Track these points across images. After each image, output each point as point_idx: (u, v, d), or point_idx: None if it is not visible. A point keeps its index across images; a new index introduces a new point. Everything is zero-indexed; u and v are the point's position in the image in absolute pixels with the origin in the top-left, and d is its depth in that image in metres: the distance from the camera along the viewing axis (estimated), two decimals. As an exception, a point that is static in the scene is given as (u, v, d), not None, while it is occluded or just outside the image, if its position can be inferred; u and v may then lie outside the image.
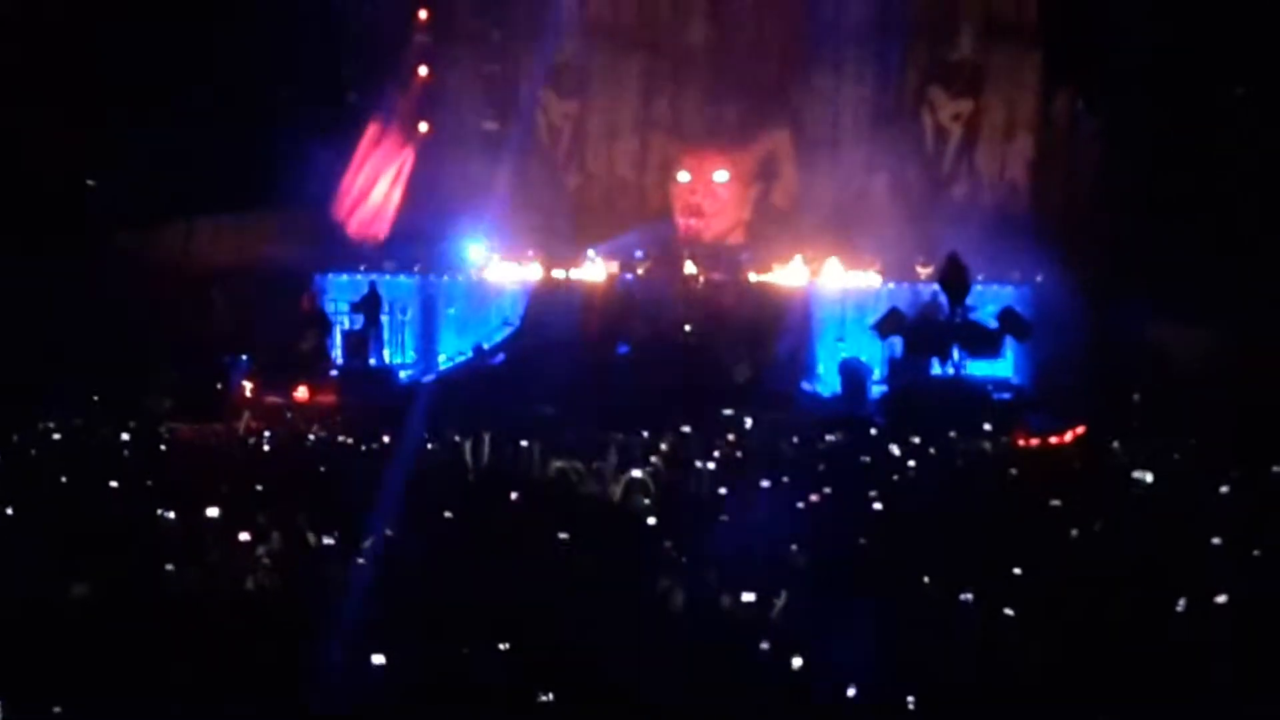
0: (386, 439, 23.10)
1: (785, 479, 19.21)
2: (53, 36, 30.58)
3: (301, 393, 30.27)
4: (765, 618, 12.62)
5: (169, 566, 13.50)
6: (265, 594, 13.33)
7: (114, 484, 18.19)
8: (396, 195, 35.27)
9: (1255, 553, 14.90)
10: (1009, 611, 12.58)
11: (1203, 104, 31.73)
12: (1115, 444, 23.48)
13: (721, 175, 36.58)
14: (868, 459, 22.02)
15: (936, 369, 31.07)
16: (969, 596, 12.86)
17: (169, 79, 31.63)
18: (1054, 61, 35.62)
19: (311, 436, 24.63)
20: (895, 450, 23.09)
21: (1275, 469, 20.58)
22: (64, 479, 18.52)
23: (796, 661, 11.40)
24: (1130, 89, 32.66)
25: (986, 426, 26.10)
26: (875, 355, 32.12)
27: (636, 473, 19.03)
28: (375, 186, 35.00)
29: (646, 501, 17.68)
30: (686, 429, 23.87)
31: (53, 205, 30.61)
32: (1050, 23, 35.43)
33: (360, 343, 32.68)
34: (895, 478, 20.50)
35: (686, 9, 37.04)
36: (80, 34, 30.87)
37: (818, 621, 12.35)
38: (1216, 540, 15.22)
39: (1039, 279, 33.47)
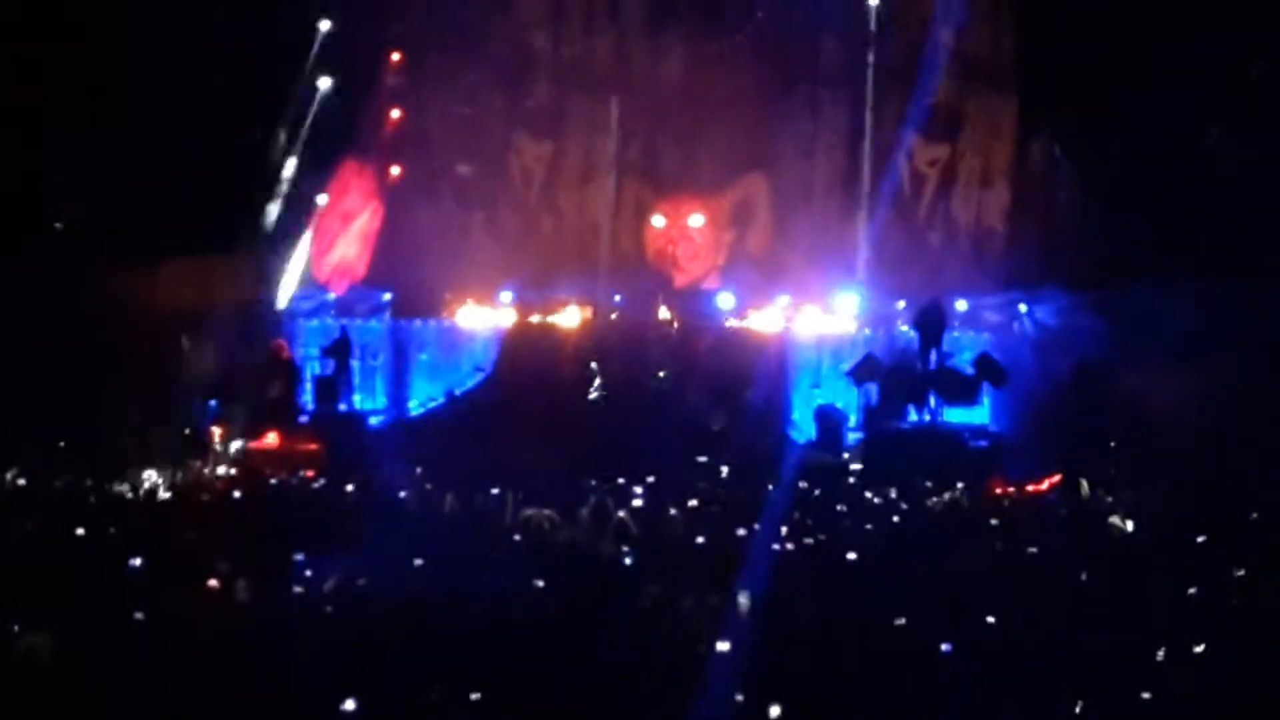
0: (354, 485, 22.90)
1: (758, 526, 19.05)
2: (16, 76, 30.35)
3: (271, 439, 30.03)
4: (740, 667, 12.45)
5: (137, 615, 13.28)
6: (231, 640, 13.12)
7: (80, 531, 17.96)
8: (365, 245, 35.07)
9: (1233, 602, 14.77)
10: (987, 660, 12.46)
11: (1180, 151, 31.68)
12: (1092, 492, 23.38)
13: (696, 220, 36.51)
14: (843, 507, 21.86)
15: (913, 416, 30.98)
16: (947, 647, 12.70)
17: (137, 119, 31.45)
18: (1031, 107, 35.65)
19: (276, 482, 24.43)
20: (871, 497, 22.98)
21: (1253, 516, 20.51)
22: (28, 527, 18.29)
23: (774, 711, 11.24)
24: (1107, 133, 32.63)
25: (962, 474, 25.95)
26: (851, 402, 32.00)
27: (611, 520, 18.88)
28: (345, 233, 34.82)
29: (625, 549, 17.48)
30: (660, 476, 23.70)
31: (16, 247, 30.34)
32: (1027, 69, 35.47)
33: (330, 388, 32.46)
34: (869, 526, 20.35)
35: (662, 52, 37.00)
36: (44, 72, 30.65)
37: (795, 671, 12.19)
38: (1193, 590, 15.08)
39: (1015, 324, 33.41)
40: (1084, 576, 15.91)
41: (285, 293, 33.69)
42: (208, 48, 32.07)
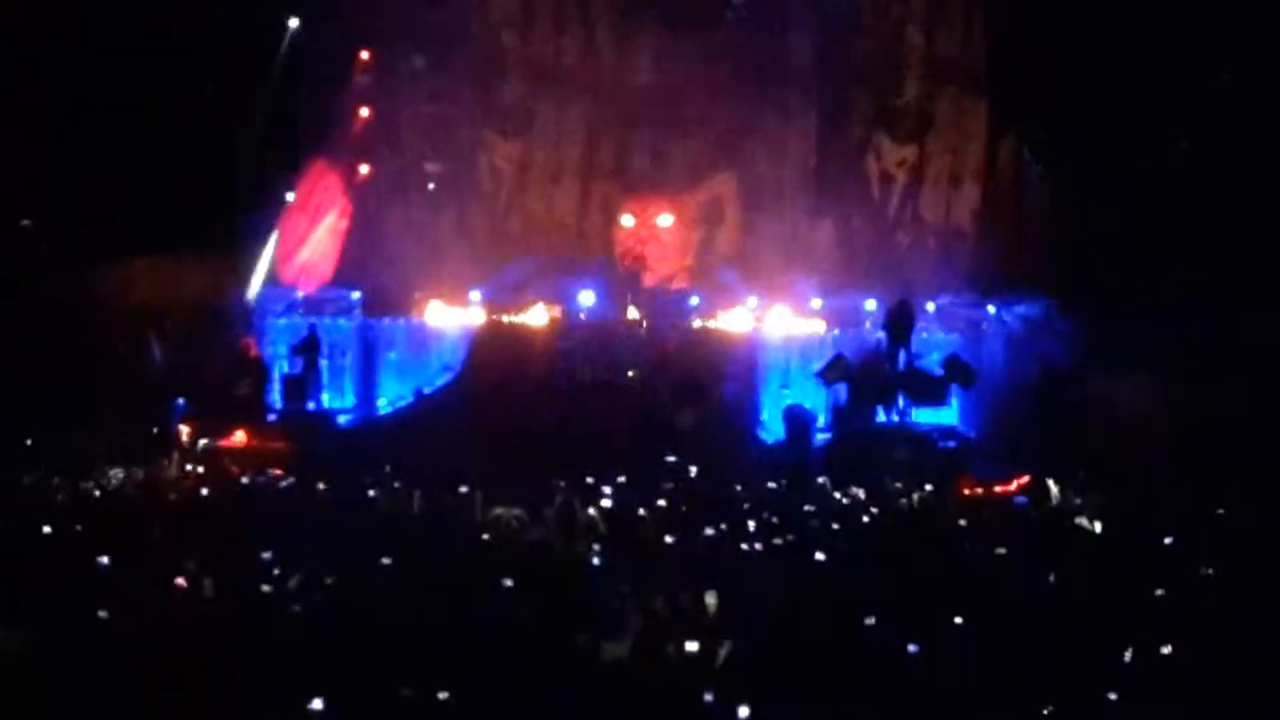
0: (324, 484, 22.87)
1: (726, 526, 19.07)
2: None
3: (239, 437, 29.96)
4: (710, 667, 12.47)
5: (102, 614, 13.24)
6: (201, 640, 13.09)
7: (47, 530, 17.90)
8: (334, 243, 34.98)
9: (1199, 603, 14.81)
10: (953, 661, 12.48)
11: (1148, 152, 31.79)
12: (1059, 492, 23.41)
13: (665, 220, 36.51)
14: (811, 507, 21.87)
15: (881, 416, 31.02)
16: (914, 648, 12.72)
17: (106, 119, 31.39)
18: (1000, 108, 35.73)
19: (247, 480, 24.37)
20: (839, 498, 23.00)
21: (1219, 513, 20.62)
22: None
23: (743, 711, 11.25)
24: (1076, 135, 32.71)
25: (931, 474, 25.99)
26: (819, 402, 32.01)
27: (580, 519, 18.89)
28: (314, 231, 34.74)
29: (596, 547, 17.48)
30: (628, 475, 23.70)
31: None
32: (996, 69, 35.54)
33: (299, 387, 32.38)
34: (836, 526, 20.37)
35: (631, 52, 37.01)
36: (15, 74, 30.56)
37: (762, 671, 12.20)
38: (1160, 591, 15.13)
39: (984, 325, 33.48)
40: (1051, 577, 15.93)
41: (254, 291, 33.57)
42: (177, 47, 32.02)
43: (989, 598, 14.87)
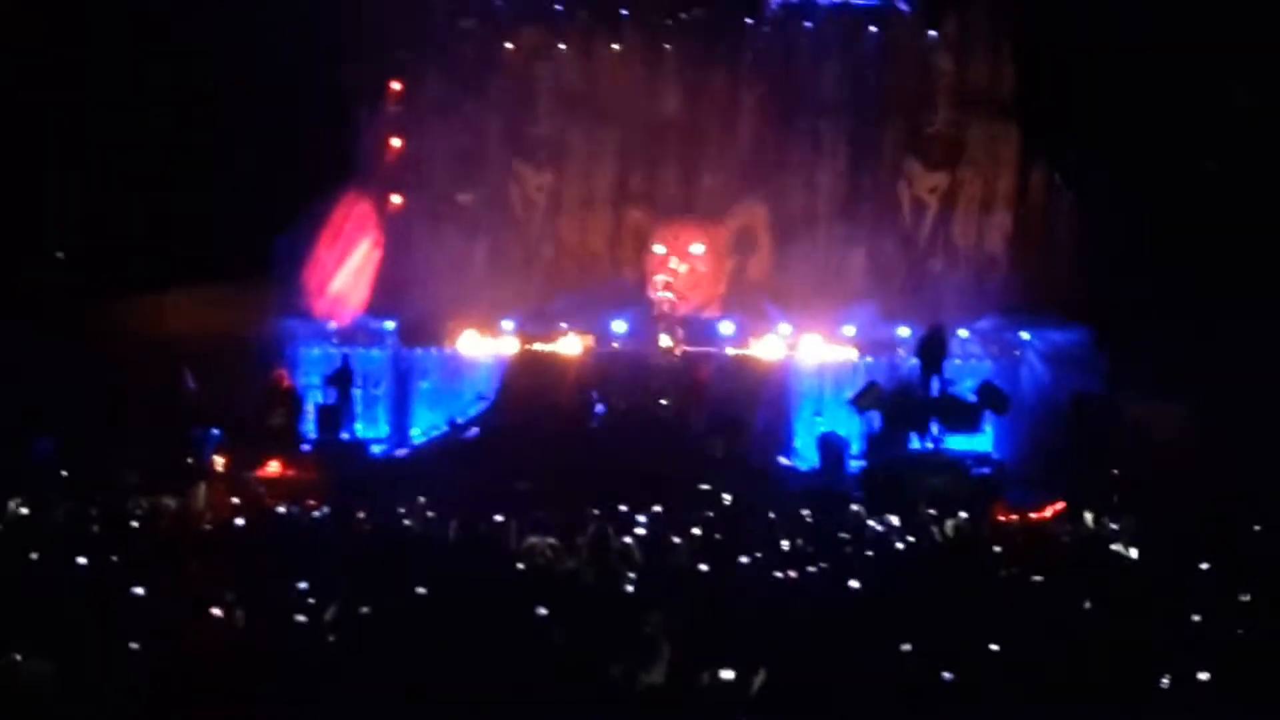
0: (358, 514, 22.84)
1: (761, 555, 19.03)
2: (17, 106, 30.40)
3: (273, 467, 29.99)
4: (745, 695, 12.42)
5: (133, 645, 13.24)
6: (234, 670, 13.08)
7: (82, 560, 17.90)
8: (366, 274, 35.02)
9: (1239, 631, 14.73)
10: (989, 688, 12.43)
11: (1178, 177, 31.73)
12: (1095, 519, 23.33)
13: (697, 248, 36.51)
14: (845, 534, 21.81)
15: (915, 443, 30.95)
16: (949, 675, 12.67)
17: (140, 150, 31.49)
18: (1030, 135, 35.68)
19: (283, 510, 24.35)
20: (873, 525, 22.93)
21: (1250, 543, 20.51)
22: (31, 555, 18.23)
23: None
24: (1106, 161, 32.66)
25: (965, 501, 25.90)
26: (853, 429, 31.97)
27: (614, 548, 18.86)
28: (345, 263, 34.76)
29: (632, 575, 17.45)
30: (663, 503, 23.65)
31: (22, 277, 30.39)
32: (1026, 96, 35.49)
33: (333, 417, 32.42)
34: (871, 553, 20.32)
35: (662, 81, 37.04)
36: (47, 104, 30.70)
37: (797, 699, 12.16)
38: (1197, 617, 15.05)
39: (1017, 352, 33.43)
40: (1088, 604, 15.86)
41: (288, 321, 33.62)
42: (209, 78, 32.12)
43: (1024, 624, 14.81)
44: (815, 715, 11.75)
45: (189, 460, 28.81)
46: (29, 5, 31.42)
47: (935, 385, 31.41)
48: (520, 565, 18.41)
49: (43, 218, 31.21)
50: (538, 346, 34.11)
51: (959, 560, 20.21)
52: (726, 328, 34.59)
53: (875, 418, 31.53)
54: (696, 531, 21.13)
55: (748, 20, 37.20)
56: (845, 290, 35.13)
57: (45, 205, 30.95)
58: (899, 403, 31.38)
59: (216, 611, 14.53)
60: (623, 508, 22.94)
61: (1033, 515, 25.78)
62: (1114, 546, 20.65)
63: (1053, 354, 32.69)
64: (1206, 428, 29.37)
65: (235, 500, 25.58)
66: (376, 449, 32.73)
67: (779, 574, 17.84)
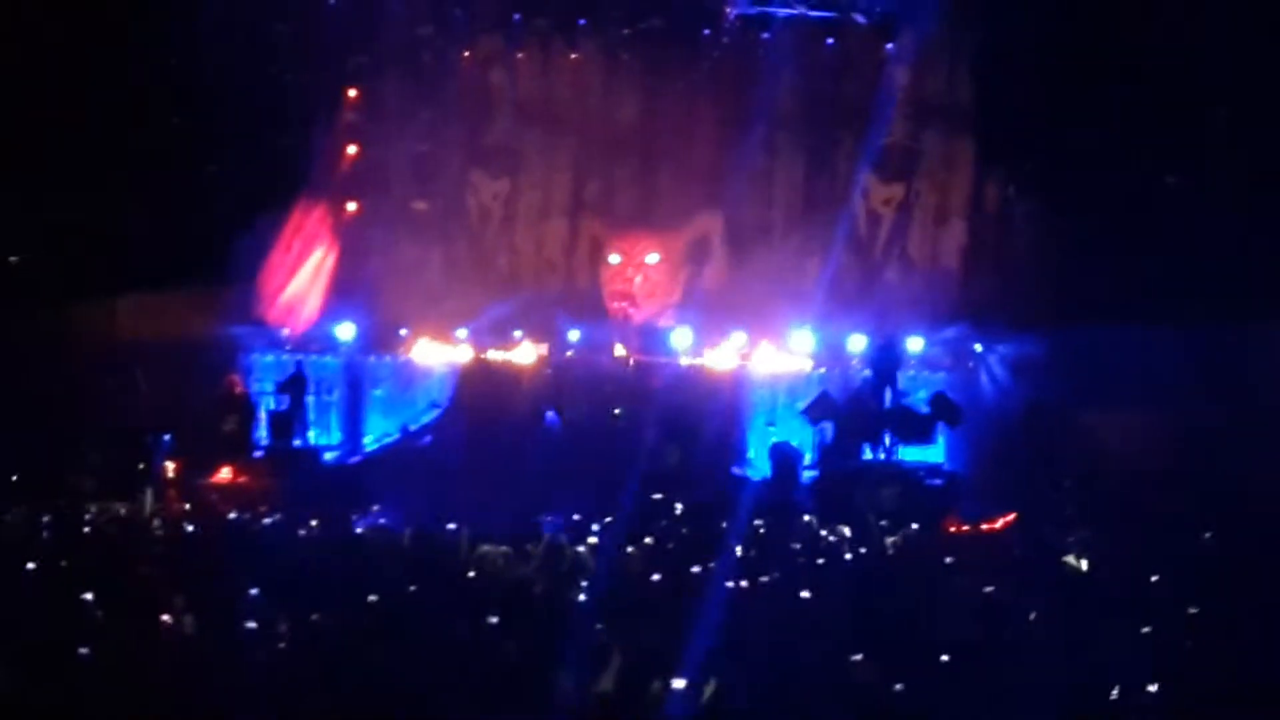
0: (310, 521, 22.80)
1: (713, 564, 19.03)
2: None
3: (224, 474, 29.90)
4: (696, 705, 12.42)
5: (83, 650, 13.18)
6: (182, 677, 13.04)
7: (31, 565, 17.84)
8: (321, 281, 34.92)
9: (1187, 644, 14.79)
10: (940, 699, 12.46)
11: (1135, 191, 31.87)
12: (1047, 531, 23.39)
13: (652, 257, 36.54)
14: (797, 545, 21.84)
15: (868, 454, 31.01)
16: (899, 686, 12.69)
17: (93, 154, 31.36)
18: (987, 147, 35.78)
19: (233, 517, 24.30)
20: (825, 535, 22.96)
21: (1203, 553, 20.61)
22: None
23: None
24: (1062, 172, 32.78)
25: (918, 513, 25.96)
26: (806, 440, 32.00)
27: (567, 556, 18.86)
28: (299, 270, 34.66)
29: (584, 584, 17.46)
30: (615, 513, 23.65)
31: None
32: (983, 108, 35.60)
33: (285, 423, 32.32)
34: (821, 561, 20.36)
35: (618, 90, 37.05)
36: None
37: (748, 709, 12.17)
38: (1147, 629, 15.10)
39: (970, 363, 33.54)
40: (1037, 615, 15.91)
41: (239, 327, 33.52)
42: (164, 84, 32.02)
43: (975, 635, 14.84)
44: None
45: (140, 466, 28.72)
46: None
47: (888, 396, 31.49)
48: (472, 574, 18.40)
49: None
50: (491, 355, 34.06)
51: (909, 571, 20.24)
52: (681, 337, 34.56)
53: (828, 428, 31.57)
54: (649, 540, 21.15)
55: (705, 31, 37.19)
56: (799, 300, 35.12)
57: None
58: (851, 413, 31.44)
59: (165, 618, 14.49)
60: (575, 516, 22.96)
61: (984, 526, 25.86)
62: (1066, 558, 20.69)
63: (1006, 365, 32.79)
64: (1161, 437, 29.49)
65: (186, 506, 25.55)
66: (329, 456, 32.63)
67: (731, 583, 17.87)
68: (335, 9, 35.19)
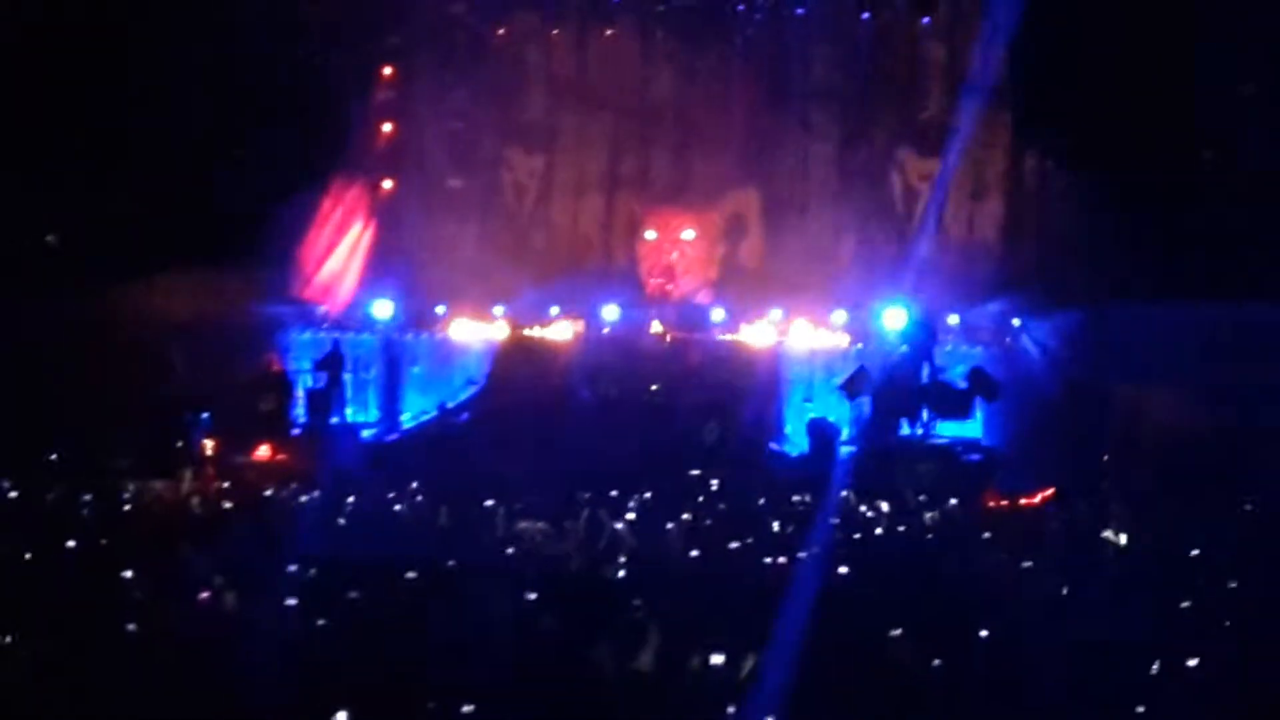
0: (348, 498, 22.85)
1: (752, 540, 19.04)
2: (6, 95, 30.35)
3: (263, 452, 29.96)
4: (734, 681, 12.44)
5: (130, 626, 13.26)
6: (225, 655, 13.09)
7: (71, 544, 17.92)
8: (358, 259, 34.96)
9: (1225, 622, 14.74)
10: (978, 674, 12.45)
11: (1175, 166, 31.73)
12: (1085, 505, 23.33)
13: (689, 234, 36.51)
14: (835, 520, 21.82)
15: (905, 429, 30.93)
16: (939, 662, 12.68)
17: (129, 135, 31.43)
18: (1024, 121, 35.63)
19: (271, 495, 24.36)
20: (863, 511, 22.95)
21: (1244, 528, 20.54)
22: (20, 539, 18.23)
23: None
24: (1100, 146, 32.62)
25: (956, 488, 25.90)
26: (843, 415, 31.95)
27: (605, 533, 18.88)
28: (336, 248, 34.71)
29: (622, 559, 17.48)
30: (653, 490, 23.66)
31: (11, 263, 30.33)
32: (1019, 81, 35.44)
33: (323, 401, 32.35)
34: (858, 536, 20.35)
35: (653, 66, 37.02)
36: (37, 90, 30.65)
37: (788, 685, 12.16)
38: (1186, 604, 15.07)
39: (1008, 338, 33.44)
40: (1077, 589, 15.88)
41: (277, 306, 33.57)
42: (200, 64, 32.06)
43: (1014, 611, 14.82)
44: (803, 700, 11.74)
45: (178, 444, 28.80)
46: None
47: (926, 371, 31.38)
48: (510, 550, 18.44)
49: (34, 203, 31.12)
50: (528, 332, 34.09)
51: (949, 546, 20.22)
52: (717, 313, 34.54)
53: (865, 404, 31.50)
54: (687, 517, 21.16)
55: (740, 6, 37.13)
56: (836, 276, 35.06)
57: (36, 191, 30.84)
58: (889, 389, 31.36)
59: (205, 594, 14.56)
60: (613, 493, 22.97)
61: (1023, 501, 25.79)
62: (1105, 533, 20.65)
63: (1044, 340, 32.67)
64: (1200, 414, 29.36)
65: (224, 484, 25.62)
66: (366, 434, 32.67)
67: (769, 560, 17.88)
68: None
